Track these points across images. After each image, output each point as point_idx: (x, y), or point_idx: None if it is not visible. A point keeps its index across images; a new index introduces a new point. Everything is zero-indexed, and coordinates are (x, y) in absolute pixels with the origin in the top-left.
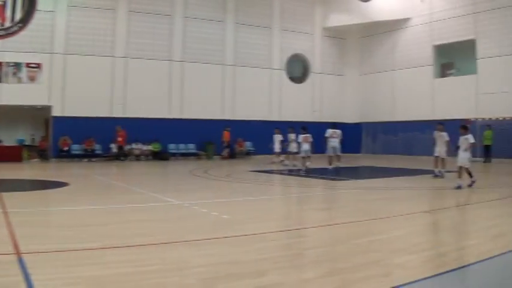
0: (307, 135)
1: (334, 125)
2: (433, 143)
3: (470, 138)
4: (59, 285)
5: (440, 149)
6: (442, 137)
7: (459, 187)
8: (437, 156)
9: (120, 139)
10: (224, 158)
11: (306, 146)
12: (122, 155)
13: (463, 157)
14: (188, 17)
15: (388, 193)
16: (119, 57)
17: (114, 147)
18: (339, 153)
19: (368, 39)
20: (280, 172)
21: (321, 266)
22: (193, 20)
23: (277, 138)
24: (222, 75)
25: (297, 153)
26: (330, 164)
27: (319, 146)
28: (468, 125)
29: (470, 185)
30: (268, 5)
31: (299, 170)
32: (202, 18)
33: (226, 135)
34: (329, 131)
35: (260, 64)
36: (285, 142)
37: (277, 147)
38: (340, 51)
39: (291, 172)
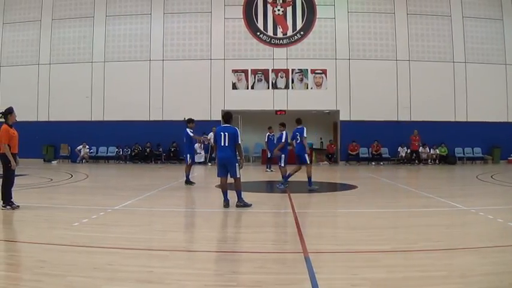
0: None
1: None
2: None
3: None
4: (343, 286)
5: None
6: None
7: None
8: None
9: (415, 143)
10: None
11: None
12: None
13: None
14: (467, 16)
15: None
16: (400, 60)
17: (401, 151)
18: None
19: None
20: None
21: None
22: (471, 19)
23: None
24: (505, 76)
25: None
26: None
27: None
28: None
29: None
30: None
31: None
32: (480, 17)
33: None
34: None
35: None
36: None
37: None
38: None
39: None
